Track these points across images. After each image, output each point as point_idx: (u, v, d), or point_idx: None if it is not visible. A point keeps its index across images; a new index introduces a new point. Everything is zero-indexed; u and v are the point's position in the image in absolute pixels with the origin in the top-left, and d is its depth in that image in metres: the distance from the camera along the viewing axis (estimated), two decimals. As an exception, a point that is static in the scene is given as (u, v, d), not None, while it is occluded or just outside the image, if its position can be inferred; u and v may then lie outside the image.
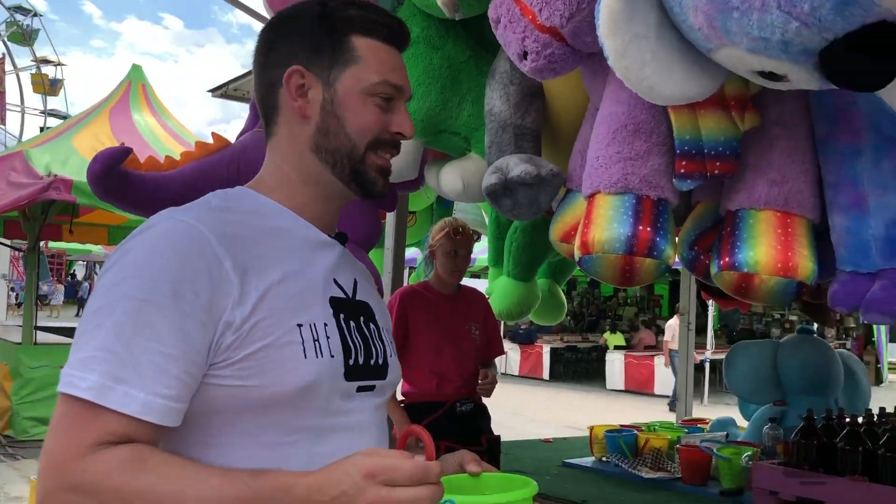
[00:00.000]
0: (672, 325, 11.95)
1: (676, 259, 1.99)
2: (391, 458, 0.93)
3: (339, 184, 1.17)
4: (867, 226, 1.54)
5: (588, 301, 20.65)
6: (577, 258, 1.76)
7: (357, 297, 1.19)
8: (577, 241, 1.73)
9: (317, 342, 1.07)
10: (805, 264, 1.57)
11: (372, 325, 1.20)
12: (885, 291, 1.51)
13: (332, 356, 1.08)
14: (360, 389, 1.14)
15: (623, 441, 3.28)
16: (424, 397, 3.27)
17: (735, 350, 3.63)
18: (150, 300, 0.98)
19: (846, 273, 1.61)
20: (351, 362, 1.12)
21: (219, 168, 2.45)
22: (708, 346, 12.97)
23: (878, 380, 16.42)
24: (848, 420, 2.69)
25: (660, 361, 13.07)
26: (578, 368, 15.98)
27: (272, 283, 1.06)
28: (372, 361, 1.17)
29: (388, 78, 1.16)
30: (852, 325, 17.64)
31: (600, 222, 1.65)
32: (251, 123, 2.74)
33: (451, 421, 3.19)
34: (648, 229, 1.62)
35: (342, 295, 1.16)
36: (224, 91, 6.89)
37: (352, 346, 1.13)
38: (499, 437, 3.33)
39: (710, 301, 9.79)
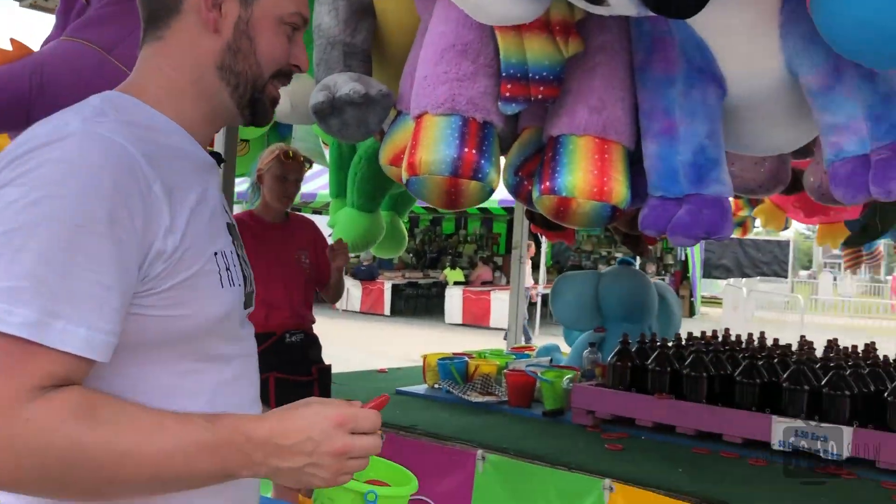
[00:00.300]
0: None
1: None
2: (353, 408, 0.97)
3: (234, 107, 1.12)
4: (676, 152, 1.62)
5: (430, 238, 20.94)
6: (404, 180, 1.74)
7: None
8: (404, 163, 1.71)
9: (228, 270, 1.06)
10: (619, 189, 1.64)
11: (241, 252, 1.18)
12: (691, 216, 1.61)
13: (238, 284, 1.09)
14: (249, 317, 1.18)
15: (454, 368, 3.36)
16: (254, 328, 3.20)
17: (560, 281, 3.79)
18: (83, 225, 0.87)
19: (656, 198, 1.69)
20: (247, 290, 1.14)
21: (19, 79, 2.22)
22: (540, 282, 13.54)
23: (692, 312, 17.79)
24: (659, 344, 2.89)
25: (496, 296, 13.52)
26: (419, 304, 16.26)
27: (192, 208, 1.00)
28: (250, 289, 1.18)
29: (300, 10, 1.13)
30: (670, 262, 18.97)
31: (427, 143, 1.64)
32: (56, 33, 2.50)
33: (280, 352, 3.14)
34: (474, 152, 1.63)
35: (230, 221, 1.15)
36: (33, 2, 6.26)
37: (245, 274, 1.13)
38: (329, 366, 3.32)
39: (543, 238, 10.21)
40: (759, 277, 21.75)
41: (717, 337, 3.08)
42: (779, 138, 1.68)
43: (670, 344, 2.97)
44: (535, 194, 1.76)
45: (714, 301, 20.02)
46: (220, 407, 1.02)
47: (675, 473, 2.30)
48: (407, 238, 4.03)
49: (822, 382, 2.49)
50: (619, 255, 19.29)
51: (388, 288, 15.31)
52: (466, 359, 3.47)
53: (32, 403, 0.84)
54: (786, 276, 23.61)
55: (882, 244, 4.64)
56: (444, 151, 1.63)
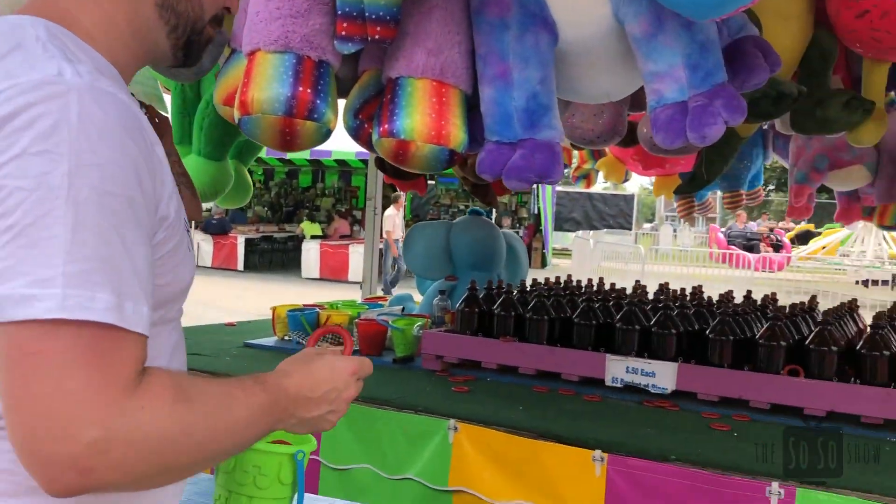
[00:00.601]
0: (390, 216, 12.36)
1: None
2: (359, 358, 1.13)
3: (168, 49, 1.04)
4: (511, 97, 1.66)
5: (286, 191, 20.51)
6: (237, 119, 1.68)
7: None
8: (236, 101, 1.65)
9: (188, 235, 1.04)
10: (456, 133, 1.66)
11: None
12: (524, 160, 1.65)
13: (192, 250, 1.07)
14: None
15: (305, 319, 3.33)
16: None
17: (413, 230, 3.82)
18: (121, 195, 0.81)
19: (492, 142, 1.72)
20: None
21: None
22: (399, 234, 13.58)
23: (544, 263, 18.47)
24: (504, 290, 2.98)
25: (355, 249, 13.47)
26: (274, 259, 15.96)
27: (168, 169, 0.95)
28: None
29: None
30: (524, 216, 19.57)
31: (259, 81, 1.58)
32: None
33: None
34: (308, 91, 1.59)
35: None
36: None
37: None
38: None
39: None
40: (605, 230, 22.79)
41: (559, 283, 3.22)
42: (608, 85, 1.75)
43: (515, 290, 3.08)
44: (374, 136, 1.75)
45: (565, 252, 20.85)
46: (175, 366, 1.03)
47: (516, 411, 2.39)
48: (252, 188, 3.92)
49: (652, 322, 2.65)
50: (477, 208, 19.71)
51: (241, 242, 14.92)
52: (317, 310, 3.44)
53: (138, 391, 0.80)
54: (630, 229, 24.91)
55: (711, 195, 4.95)
56: (277, 90, 1.58)
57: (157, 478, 0.83)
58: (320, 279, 13.90)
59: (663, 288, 3.19)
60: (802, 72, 2.56)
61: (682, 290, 3.12)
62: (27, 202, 0.77)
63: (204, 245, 15.10)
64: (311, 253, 14.29)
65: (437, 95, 1.66)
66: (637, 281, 3.19)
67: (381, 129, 1.68)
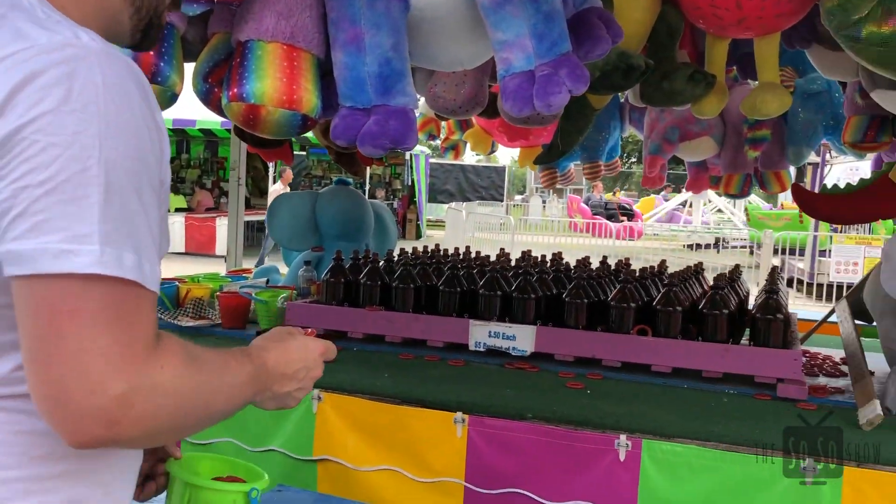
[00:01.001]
0: (275, 191, 11.99)
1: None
2: (324, 341, 1.19)
3: (127, 30, 1.04)
4: (363, 63, 1.65)
5: (148, 163, 19.60)
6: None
7: None
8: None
9: None
10: (309, 98, 1.64)
11: None
12: (378, 126, 1.65)
13: None
14: None
15: (163, 293, 3.22)
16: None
17: (277, 201, 3.75)
18: (141, 159, 0.84)
19: (346, 108, 1.72)
20: None
21: None
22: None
23: (418, 235, 18.58)
24: (371, 259, 2.98)
25: (221, 223, 13.08)
26: (137, 232, 15.25)
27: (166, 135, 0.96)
28: None
29: None
30: (398, 187, 19.57)
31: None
32: None
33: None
34: (151, 53, 1.53)
35: None
36: None
37: None
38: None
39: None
40: (478, 201, 23.16)
41: (427, 252, 3.25)
42: (461, 53, 1.77)
43: (382, 260, 3.09)
44: (224, 100, 1.70)
45: (439, 224, 21.05)
46: None
47: (381, 378, 2.41)
48: None
49: (513, 288, 2.73)
50: (349, 180, 19.56)
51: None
52: (177, 283, 3.34)
53: (158, 351, 0.83)
54: (502, 200, 25.41)
55: (573, 166, 5.11)
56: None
57: (166, 434, 0.88)
58: (185, 253, 13.43)
59: (525, 255, 3.29)
60: (650, 46, 2.68)
61: (543, 256, 3.23)
62: (62, 158, 0.79)
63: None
64: (175, 226, 13.76)
65: (288, 59, 1.63)
66: (502, 249, 3.28)
67: (231, 92, 1.64)
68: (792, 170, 4.49)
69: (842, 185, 3.13)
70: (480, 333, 2.68)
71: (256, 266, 4.54)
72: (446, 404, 2.20)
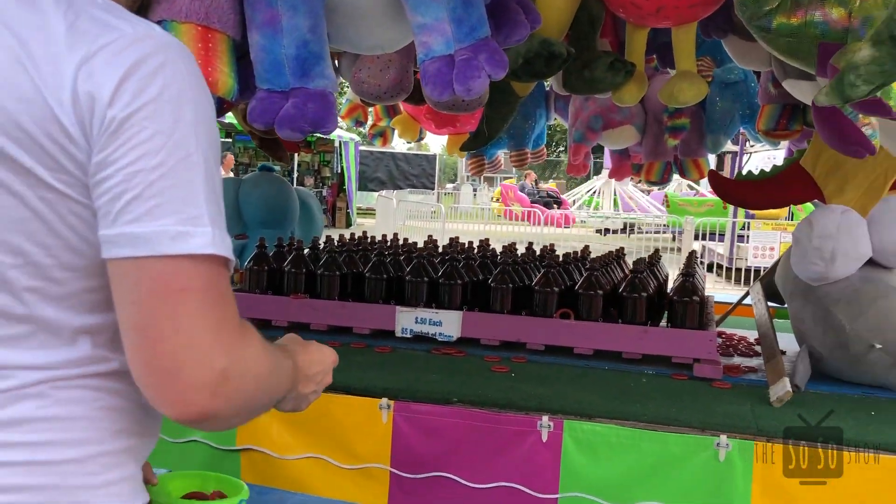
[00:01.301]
0: None
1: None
2: (333, 351, 1.26)
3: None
4: (280, 45, 1.63)
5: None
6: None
7: None
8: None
9: None
10: (224, 80, 1.61)
11: None
12: (296, 109, 1.63)
13: None
14: None
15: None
16: None
17: (200, 187, 3.67)
18: (218, 144, 0.89)
19: (263, 90, 1.69)
20: None
21: None
22: None
23: (348, 223, 18.44)
24: (295, 247, 2.95)
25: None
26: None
27: None
28: None
29: None
30: (328, 175, 19.37)
31: None
32: None
33: None
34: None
35: None
36: None
37: None
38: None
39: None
40: (409, 189, 23.14)
41: (354, 239, 3.23)
42: (381, 37, 1.76)
43: (307, 247, 3.06)
44: None
45: (369, 212, 20.95)
46: None
47: (306, 367, 2.39)
48: None
49: (439, 274, 2.74)
50: (276, 167, 19.29)
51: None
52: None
53: (244, 330, 0.89)
54: (433, 188, 25.44)
55: (501, 153, 5.15)
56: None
57: (245, 413, 0.92)
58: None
59: (453, 242, 3.30)
60: (572, 34, 2.71)
61: (470, 243, 3.25)
62: (168, 145, 0.83)
63: None
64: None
65: (203, 41, 1.59)
66: (430, 236, 3.28)
67: None
68: (712, 158, 4.62)
69: (756, 173, 3.24)
70: (407, 320, 2.69)
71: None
72: (371, 391, 2.20)
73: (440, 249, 3.20)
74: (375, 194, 19.84)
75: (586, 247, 3.44)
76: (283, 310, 2.81)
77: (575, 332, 2.55)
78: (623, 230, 15.52)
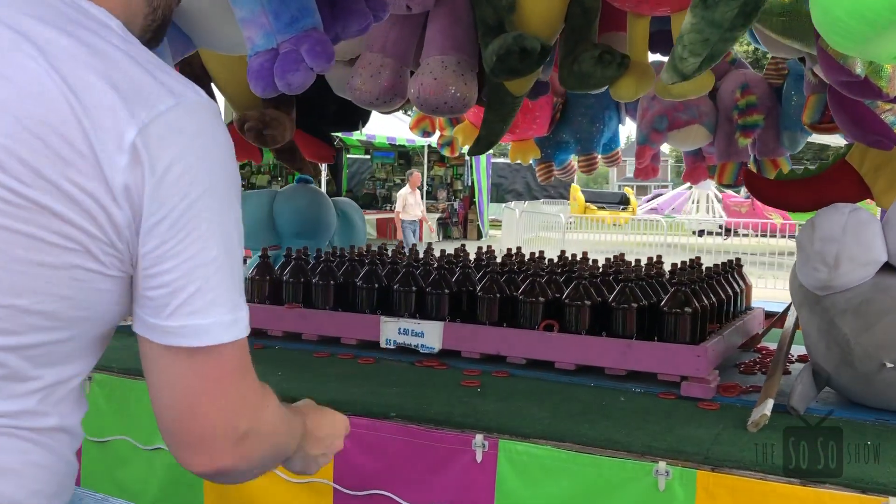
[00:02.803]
0: (403, 195, 11.97)
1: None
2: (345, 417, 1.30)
3: (137, 29, 0.99)
4: None
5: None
6: None
7: None
8: None
9: None
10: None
11: None
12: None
13: None
14: None
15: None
16: None
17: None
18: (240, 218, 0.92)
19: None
20: None
21: None
22: (417, 214, 12.59)
23: (479, 235, 18.48)
24: (294, 257, 2.94)
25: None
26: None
27: None
28: None
29: None
30: (459, 188, 19.53)
31: None
32: None
33: None
34: None
35: None
36: None
37: None
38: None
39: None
40: (543, 200, 22.92)
41: (382, 251, 3.16)
42: (234, 36, 1.70)
43: (334, 257, 3.01)
44: None
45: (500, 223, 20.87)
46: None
47: (273, 376, 2.37)
48: None
49: (426, 284, 2.65)
50: (381, 176, 19.60)
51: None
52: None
53: (264, 392, 0.98)
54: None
55: (573, 158, 4.95)
56: None
57: (256, 470, 0.99)
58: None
59: (444, 252, 3.15)
60: (567, 28, 2.55)
61: (463, 252, 3.12)
62: (218, 236, 0.87)
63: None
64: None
65: None
66: (414, 245, 3.19)
67: None
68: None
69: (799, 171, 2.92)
70: (391, 330, 2.61)
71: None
72: (319, 403, 2.14)
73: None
74: (503, 206, 19.76)
75: (620, 255, 3.21)
76: (277, 319, 2.81)
77: (555, 346, 2.37)
78: (721, 232, 14.58)
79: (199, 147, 0.85)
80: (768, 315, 3.20)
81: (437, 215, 18.08)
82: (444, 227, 18.35)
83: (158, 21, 1.03)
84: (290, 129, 2.93)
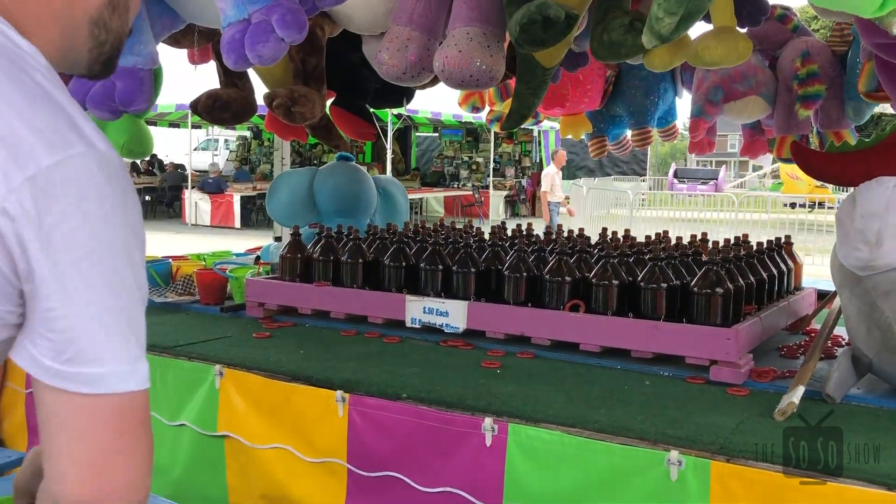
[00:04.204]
0: (550, 174, 11.19)
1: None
2: None
3: (84, 63, 0.98)
4: None
5: (292, 149, 20.51)
6: None
7: None
8: None
9: None
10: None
11: None
12: (103, 88, 1.58)
13: None
14: None
15: (154, 270, 3.33)
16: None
17: (277, 179, 3.76)
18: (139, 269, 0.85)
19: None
20: None
21: None
22: (559, 195, 11.83)
23: (549, 212, 18.21)
24: (324, 235, 2.92)
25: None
26: (273, 216, 16.00)
27: None
28: None
29: None
30: (528, 165, 19.32)
31: None
32: None
33: None
34: None
35: None
36: None
37: None
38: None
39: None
40: (614, 177, 22.47)
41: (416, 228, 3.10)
42: (209, 7, 1.64)
43: (364, 235, 2.98)
44: None
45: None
46: None
47: (296, 356, 2.36)
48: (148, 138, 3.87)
49: (452, 263, 2.59)
50: (479, 160, 19.55)
51: (237, 200, 15.00)
52: (170, 261, 3.44)
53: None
54: (644, 174, 24.50)
55: (628, 133, 4.79)
56: None
57: None
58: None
59: (466, 228, 3.07)
60: (597, -4, 2.44)
61: (521, 227, 3.04)
62: (116, 282, 0.82)
63: (202, 204, 15.22)
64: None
65: None
66: (441, 219, 3.13)
67: None
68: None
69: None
70: (416, 309, 2.57)
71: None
72: (331, 382, 2.12)
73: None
74: (570, 183, 19.42)
75: (664, 233, 3.08)
76: (306, 297, 2.80)
77: (580, 327, 2.29)
78: (813, 205, 13.93)
79: (90, 201, 0.80)
80: (822, 295, 3.02)
81: (505, 193, 17.93)
82: (512, 205, 18.19)
83: (107, 54, 1.00)
84: (319, 106, 2.90)
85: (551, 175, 11.23)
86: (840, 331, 2.46)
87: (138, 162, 18.66)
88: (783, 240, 2.91)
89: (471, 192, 17.26)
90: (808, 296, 2.93)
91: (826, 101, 3.70)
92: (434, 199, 17.74)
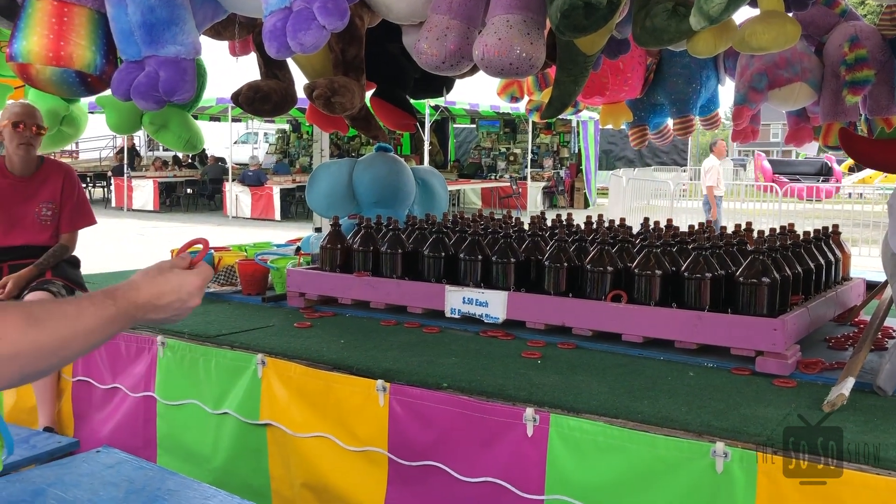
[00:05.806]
0: (715, 167, 10.25)
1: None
2: (201, 274, 1.21)
3: None
4: (125, 13, 1.59)
5: (331, 141, 20.60)
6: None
7: None
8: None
9: None
10: (81, 54, 1.61)
11: None
12: (148, 78, 1.59)
13: None
14: None
15: (196, 261, 3.36)
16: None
17: (317, 170, 3.78)
18: None
19: (124, 62, 1.67)
20: None
21: None
22: (723, 189, 11.03)
23: (587, 204, 18.12)
24: (364, 225, 2.92)
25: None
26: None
27: None
28: None
29: None
30: (566, 156, 19.16)
31: None
32: None
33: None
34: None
35: None
36: None
37: None
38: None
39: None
40: (654, 167, 22.20)
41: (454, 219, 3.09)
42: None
43: (403, 226, 2.97)
44: (4, 61, 1.72)
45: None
46: None
47: (336, 345, 2.37)
48: (202, 134, 3.91)
49: (492, 253, 2.57)
50: (516, 151, 19.47)
51: (277, 193, 15.11)
52: (212, 252, 3.47)
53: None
54: (685, 165, 24.14)
55: (669, 122, 4.72)
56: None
57: (17, 383, 1.02)
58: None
59: (505, 219, 3.05)
60: (640, -20, 2.40)
61: (560, 217, 3.01)
62: None
63: (242, 197, 15.37)
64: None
65: (58, 15, 1.61)
66: (479, 210, 3.11)
67: (6, 52, 1.65)
68: None
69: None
70: (455, 300, 2.56)
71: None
72: (371, 371, 2.12)
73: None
74: (609, 173, 19.23)
75: (706, 223, 3.03)
76: (346, 288, 2.81)
77: (622, 318, 2.26)
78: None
79: None
80: (871, 286, 2.95)
81: (542, 184, 17.82)
82: (550, 196, 18.07)
83: None
84: (359, 97, 2.90)
85: (716, 167, 10.20)
86: (892, 322, 2.40)
87: (180, 155, 18.93)
88: (830, 229, 2.85)
89: (508, 184, 17.17)
90: (857, 286, 2.86)
91: (875, 86, 3.59)
92: (472, 191, 17.71)
